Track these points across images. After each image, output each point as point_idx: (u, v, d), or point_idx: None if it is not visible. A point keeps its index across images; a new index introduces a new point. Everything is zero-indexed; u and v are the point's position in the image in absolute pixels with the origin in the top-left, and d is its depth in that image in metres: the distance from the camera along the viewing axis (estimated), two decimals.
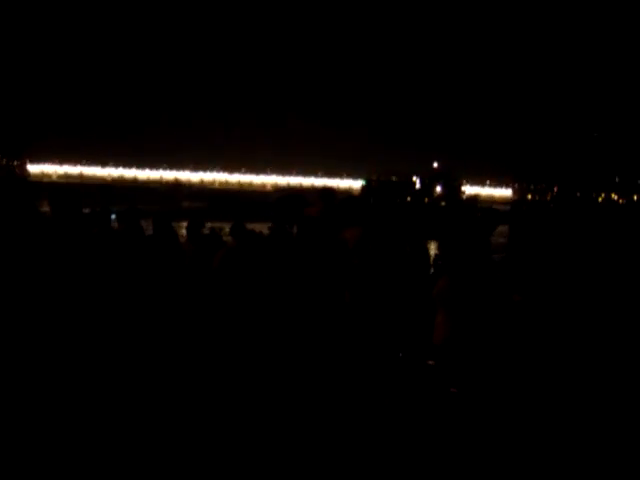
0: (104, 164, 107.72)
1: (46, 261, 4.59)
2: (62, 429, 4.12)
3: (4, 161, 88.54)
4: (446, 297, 4.21)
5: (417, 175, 62.96)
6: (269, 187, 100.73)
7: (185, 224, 6.89)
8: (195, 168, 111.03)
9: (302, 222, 4.99)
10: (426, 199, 60.96)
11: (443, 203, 60.12)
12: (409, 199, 59.77)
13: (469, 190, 72.31)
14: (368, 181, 62.99)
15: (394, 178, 61.82)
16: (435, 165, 65.96)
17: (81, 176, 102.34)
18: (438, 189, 62.65)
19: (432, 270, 5.79)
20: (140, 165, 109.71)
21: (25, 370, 4.25)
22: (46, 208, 5.03)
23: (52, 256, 4.62)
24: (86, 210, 6.10)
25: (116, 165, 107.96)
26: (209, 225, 6.97)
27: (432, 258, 6.15)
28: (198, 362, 5.30)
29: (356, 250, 4.61)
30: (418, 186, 62.44)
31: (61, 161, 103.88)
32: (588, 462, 4.13)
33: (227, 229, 6.47)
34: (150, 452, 4.08)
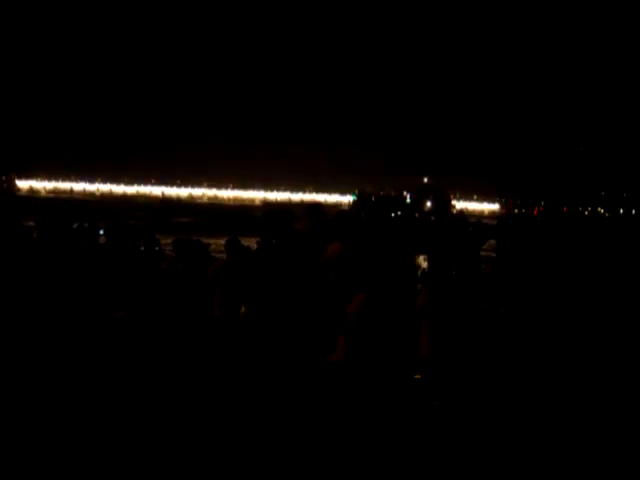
0: (92, 180, 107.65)
1: (28, 275, 4.58)
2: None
3: None
4: (428, 311, 4.22)
5: (407, 190, 63.21)
6: (258, 202, 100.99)
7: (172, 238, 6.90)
8: (183, 183, 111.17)
9: (288, 237, 4.99)
10: (416, 214, 61.13)
11: (433, 218, 60.30)
12: (400, 214, 59.92)
13: (456, 205, 72.73)
14: (359, 196, 63.11)
15: (382, 193, 62.02)
16: (425, 180, 66.30)
17: (70, 191, 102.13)
18: (428, 204, 62.89)
19: (420, 285, 5.81)
20: (128, 181, 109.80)
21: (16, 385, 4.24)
22: (33, 223, 5.03)
23: (35, 270, 4.62)
24: (74, 225, 6.09)
25: (104, 181, 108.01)
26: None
27: (420, 272, 6.16)
28: (189, 376, 5.29)
29: (334, 265, 4.57)
30: (408, 201, 62.67)
31: (50, 177, 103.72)
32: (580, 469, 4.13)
33: (214, 245, 6.48)
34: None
